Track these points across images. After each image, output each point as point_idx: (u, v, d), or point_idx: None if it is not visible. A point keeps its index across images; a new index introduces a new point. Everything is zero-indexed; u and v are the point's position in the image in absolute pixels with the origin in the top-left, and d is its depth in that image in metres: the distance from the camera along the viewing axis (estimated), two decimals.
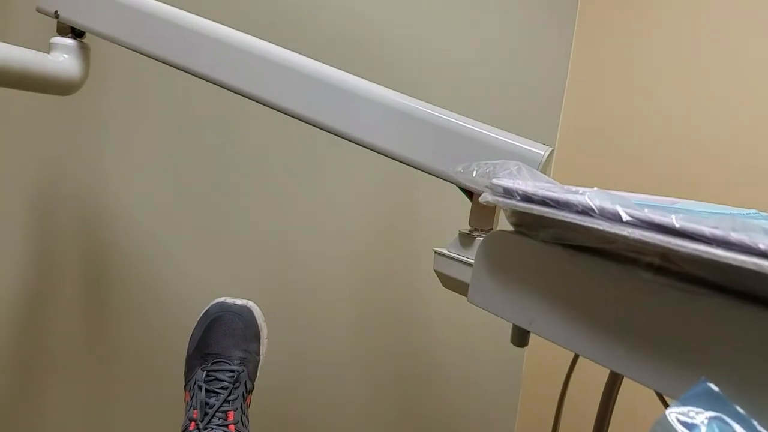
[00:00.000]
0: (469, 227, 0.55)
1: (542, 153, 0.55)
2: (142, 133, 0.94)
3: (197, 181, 0.96)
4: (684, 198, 0.56)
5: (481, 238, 0.42)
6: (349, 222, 1.02)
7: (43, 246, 0.93)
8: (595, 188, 0.43)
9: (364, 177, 1.01)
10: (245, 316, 0.74)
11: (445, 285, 0.55)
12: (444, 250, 0.62)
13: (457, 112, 0.59)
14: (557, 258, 0.32)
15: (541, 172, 0.56)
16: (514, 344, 0.37)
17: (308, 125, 0.60)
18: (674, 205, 0.46)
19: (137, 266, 0.96)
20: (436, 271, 0.62)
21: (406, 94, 0.60)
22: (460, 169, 0.36)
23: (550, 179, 0.38)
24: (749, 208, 0.52)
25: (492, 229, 0.54)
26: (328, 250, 1.01)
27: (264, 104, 0.62)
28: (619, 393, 0.56)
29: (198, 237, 0.97)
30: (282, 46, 0.61)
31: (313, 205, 1.00)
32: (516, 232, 0.36)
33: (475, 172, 0.35)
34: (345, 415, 1.06)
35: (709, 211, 0.46)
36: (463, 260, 0.48)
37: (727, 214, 0.46)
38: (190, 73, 0.63)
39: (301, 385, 1.03)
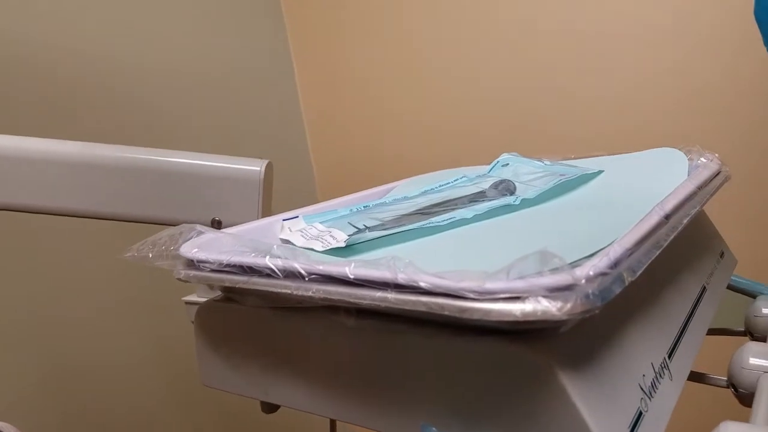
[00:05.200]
0: None
1: (259, 168, 0.52)
2: None
3: None
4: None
5: None
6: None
7: None
8: (300, 216, 0.42)
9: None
10: None
11: None
12: (193, 297, 0.56)
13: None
14: (268, 321, 0.29)
15: (263, 185, 0.53)
16: (264, 412, 0.33)
17: None
18: (385, 198, 0.47)
19: None
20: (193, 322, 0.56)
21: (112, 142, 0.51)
22: (133, 252, 0.30)
23: (242, 232, 0.35)
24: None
25: None
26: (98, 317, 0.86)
27: None
28: None
29: None
30: None
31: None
32: (226, 299, 0.32)
33: (151, 253, 0.29)
34: None
35: (421, 191, 0.48)
36: None
37: (437, 187, 0.48)
38: None
39: None
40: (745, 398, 0.36)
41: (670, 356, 0.28)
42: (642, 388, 0.24)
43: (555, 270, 0.20)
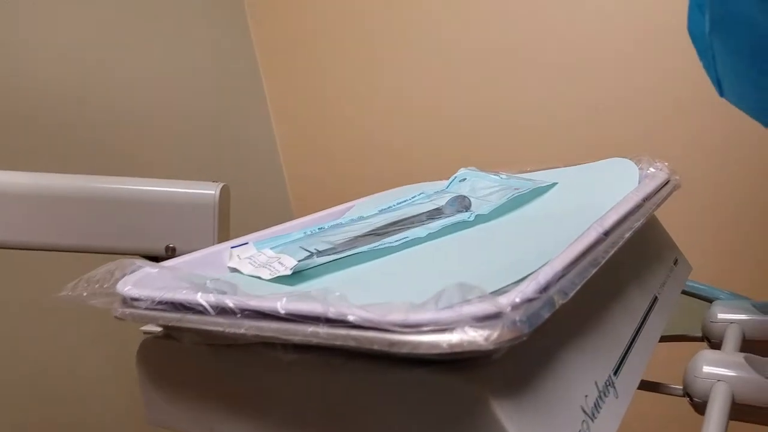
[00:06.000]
0: None
1: (213, 192, 0.51)
2: None
3: None
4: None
5: None
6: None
7: None
8: (250, 243, 0.41)
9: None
10: None
11: None
12: (151, 327, 0.54)
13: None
14: (207, 359, 0.28)
15: (218, 210, 0.52)
16: None
17: None
18: (342, 218, 0.47)
19: None
20: None
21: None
22: (68, 291, 0.29)
23: (186, 263, 0.34)
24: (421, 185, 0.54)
25: None
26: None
27: None
28: None
29: None
30: None
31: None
32: (166, 335, 0.31)
33: (86, 291, 0.28)
34: None
35: (378, 210, 0.47)
36: None
37: (394, 205, 0.48)
38: None
39: None
40: (701, 407, 0.36)
41: (616, 373, 0.28)
42: (584, 410, 0.24)
43: (482, 298, 0.19)
